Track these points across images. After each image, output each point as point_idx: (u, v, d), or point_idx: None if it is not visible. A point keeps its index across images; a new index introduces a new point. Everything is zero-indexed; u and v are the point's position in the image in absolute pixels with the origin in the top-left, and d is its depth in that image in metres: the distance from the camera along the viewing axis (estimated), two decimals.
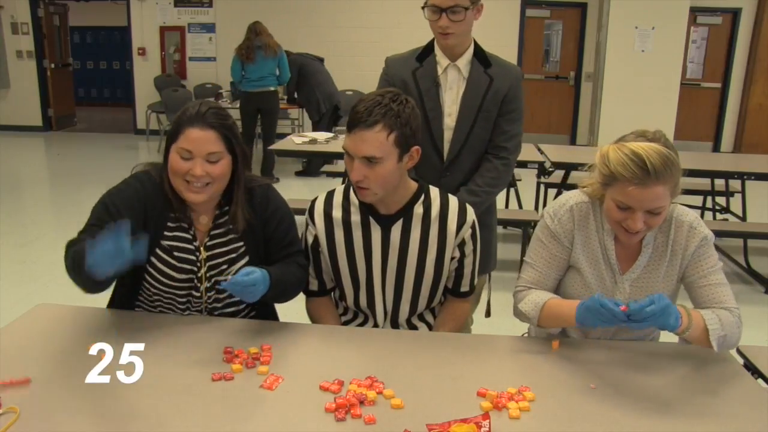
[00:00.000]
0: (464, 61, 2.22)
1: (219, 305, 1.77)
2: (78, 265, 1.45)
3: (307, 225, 1.81)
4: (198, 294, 1.73)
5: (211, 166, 1.59)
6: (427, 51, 2.25)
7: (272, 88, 6.63)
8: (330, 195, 1.81)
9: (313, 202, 1.82)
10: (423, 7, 2.11)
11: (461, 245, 1.77)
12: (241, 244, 1.72)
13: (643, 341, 1.74)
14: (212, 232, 1.71)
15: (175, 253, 1.67)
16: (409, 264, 1.76)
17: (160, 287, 1.70)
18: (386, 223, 1.75)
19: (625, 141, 1.53)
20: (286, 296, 1.75)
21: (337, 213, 1.77)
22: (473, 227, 1.78)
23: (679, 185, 1.52)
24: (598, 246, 1.67)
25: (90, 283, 1.52)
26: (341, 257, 1.78)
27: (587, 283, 1.67)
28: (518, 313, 1.69)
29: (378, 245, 1.75)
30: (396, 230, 1.74)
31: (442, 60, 2.23)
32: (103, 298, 1.82)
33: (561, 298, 1.67)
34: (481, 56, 2.24)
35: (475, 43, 2.24)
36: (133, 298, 1.78)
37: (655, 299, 1.39)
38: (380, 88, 2.29)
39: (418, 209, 1.75)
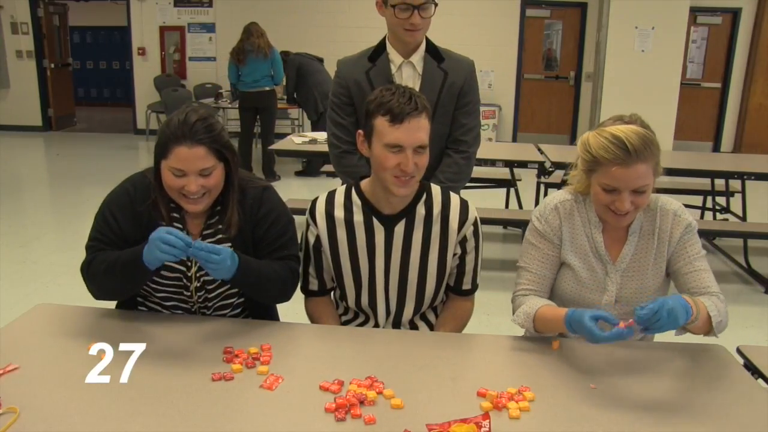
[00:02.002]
0: (417, 57, 2.24)
1: (210, 304, 1.77)
2: (116, 269, 1.59)
3: (308, 225, 1.81)
4: (188, 293, 1.73)
5: (204, 179, 1.59)
6: (379, 50, 2.27)
7: (267, 88, 6.70)
8: (331, 195, 1.81)
9: (314, 202, 1.82)
10: (393, 6, 2.11)
11: (463, 242, 1.77)
12: (229, 245, 1.70)
13: (642, 341, 1.74)
14: (204, 233, 1.71)
15: None
16: (412, 264, 1.76)
17: (150, 284, 1.71)
18: (389, 223, 1.74)
19: (603, 127, 1.59)
20: (264, 291, 1.71)
21: (339, 213, 1.77)
22: (475, 224, 1.78)
23: (660, 164, 1.57)
24: (585, 239, 1.70)
25: (127, 287, 1.68)
26: (344, 257, 1.77)
27: (579, 278, 1.69)
28: (516, 323, 1.70)
29: (381, 245, 1.75)
30: (399, 230, 1.74)
31: (395, 58, 2.25)
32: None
33: (551, 304, 1.67)
34: (433, 51, 2.26)
35: (427, 39, 2.26)
36: (135, 300, 1.80)
37: (661, 304, 1.35)
38: (334, 91, 2.31)
39: (421, 209, 1.75)
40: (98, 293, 1.69)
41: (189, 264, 1.69)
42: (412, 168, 1.62)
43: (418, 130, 1.61)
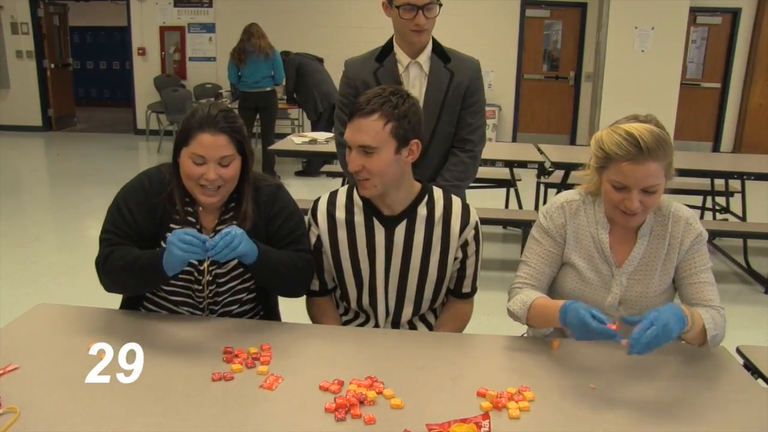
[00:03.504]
0: (424, 57, 2.26)
1: (219, 299, 1.77)
2: (133, 269, 1.60)
3: (309, 225, 1.81)
4: (199, 287, 1.74)
5: (223, 169, 1.62)
6: (386, 51, 2.28)
7: (268, 89, 6.73)
8: (333, 195, 1.81)
9: (316, 202, 1.82)
10: (398, 7, 2.13)
11: (464, 246, 1.77)
12: None
13: None
14: (218, 228, 1.72)
15: None
16: (413, 266, 1.76)
17: None
18: (390, 224, 1.74)
19: (618, 124, 1.59)
20: (282, 279, 1.71)
21: (340, 213, 1.77)
22: (476, 228, 1.78)
23: (672, 166, 1.57)
24: (590, 240, 1.69)
25: (143, 287, 1.71)
26: (344, 257, 1.77)
27: (584, 278, 1.69)
28: (509, 312, 1.70)
29: (381, 246, 1.75)
30: (400, 231, 1.74)
31: (402, 58, 2.26)
32: (103, 299, 1.82)
33: (549, 298, 1.68)
34: (439, 52, 2.27)
35: (433, 39, 2.27)
36: (141, 296, 1.80)
37: (653, 320, 1.38)
38: (342, 92, 2.32)
39: (422, 210, 1.75)
40: (111, 287, 1.70)
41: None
42: (355, 166, 1.63)
43: (361, 130, 1.61)
